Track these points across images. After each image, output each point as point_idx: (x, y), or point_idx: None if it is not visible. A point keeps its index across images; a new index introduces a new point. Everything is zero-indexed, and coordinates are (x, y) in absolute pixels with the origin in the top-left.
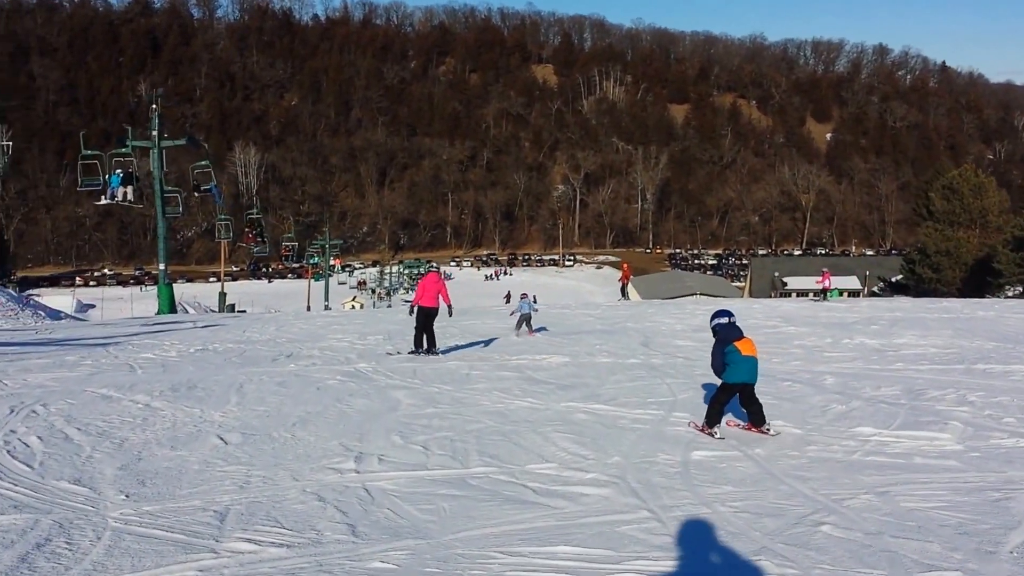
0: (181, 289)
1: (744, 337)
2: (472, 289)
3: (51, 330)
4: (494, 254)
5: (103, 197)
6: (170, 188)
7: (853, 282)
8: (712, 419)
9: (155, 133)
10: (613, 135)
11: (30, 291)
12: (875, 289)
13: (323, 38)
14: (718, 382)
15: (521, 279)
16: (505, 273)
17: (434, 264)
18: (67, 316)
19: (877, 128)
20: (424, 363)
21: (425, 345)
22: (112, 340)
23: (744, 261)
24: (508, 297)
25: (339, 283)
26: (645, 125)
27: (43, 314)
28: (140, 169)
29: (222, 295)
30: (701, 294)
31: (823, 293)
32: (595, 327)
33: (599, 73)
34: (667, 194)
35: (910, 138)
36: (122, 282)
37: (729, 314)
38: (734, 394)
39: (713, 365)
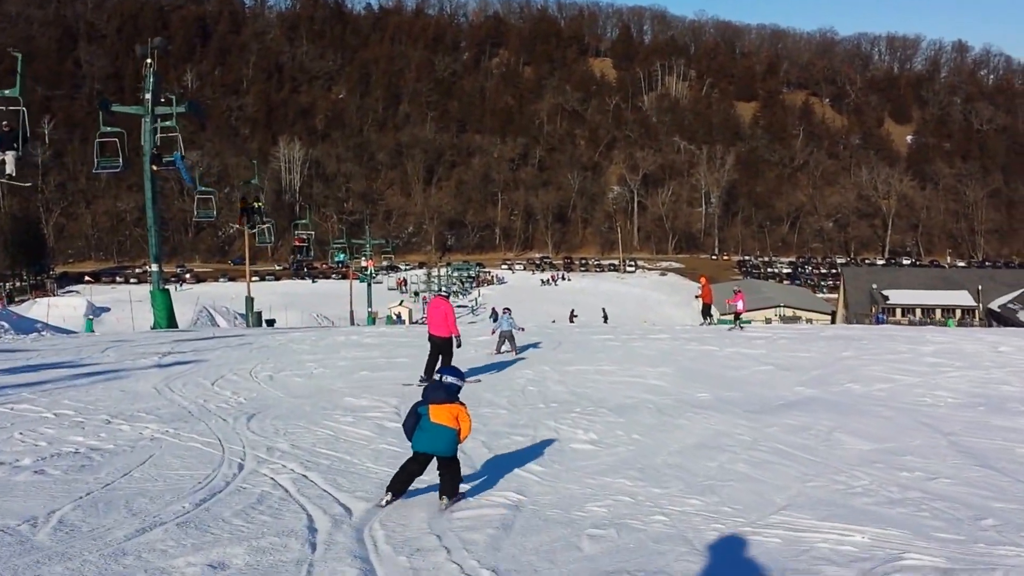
0: (216, 291)
1: (446, 402)
2: (530, 296)
3: None
4: (548, 257)
5: None
6: (205, 188)
7: (964, 297)
8: (393, 483)
9: (148, 96)
10: (675, 134)
11: (69, 287)
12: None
13: (375, 28)
14: None
15: (580, 285)
16: (563, 278)
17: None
18: (46, 328)
19: (962, 131)
20: None
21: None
22: None
23: (822, 270)
24: (573, 315)
25: (388, 289)
26: (710, 123)
27: (6, 326)
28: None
29: (249, 301)
30: (785, 307)
31: (736, 318)
32: (794, 388)
33: (661, 67)
34: (733, 197)
35: (999, 142)
36: (164, 279)
37: (455, 372)
38: (420, 462)
39: (403, 425)
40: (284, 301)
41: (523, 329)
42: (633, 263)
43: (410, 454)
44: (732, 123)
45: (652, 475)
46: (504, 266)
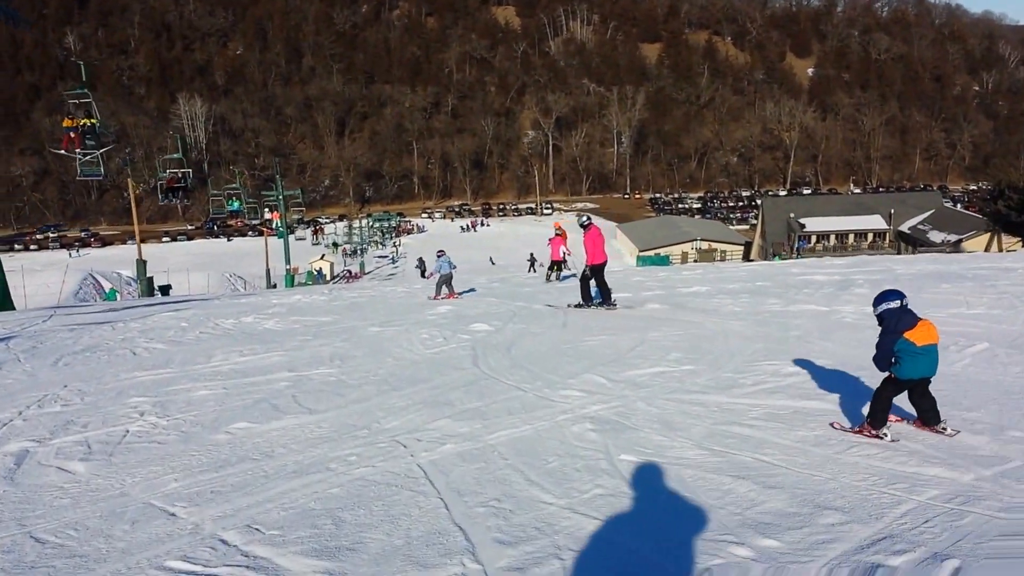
0: (119, 255)
1: (919, 321)
2: (451, 243)
3: None
4: (467, 204)
5: None
6: (104, 150)
7: (877, 222)
8: (879, 419)
9: None
10: (583, 77)
11: None
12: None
13: None
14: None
15: (499, 230)
16: (482, 224)
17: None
18: None
19: (860, 61)
20: None
21: (598, 298)
22: None
23: (730, 203)
24: (532, 261)
25: (312, 244)
26: (616, 66)
27: None
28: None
29: (140, 265)
30: (702, 240)
31: (556, 266)
32: None
33: (564, 13)
34: (643, 136)
35: (895, 71)
36: (66, 245)
37: (900, 295)
38: (904, 390)
39: (875, 359)
40: (197, 262)
41: (456, 267)
42: (549, 205)
43: None
44: (638, 64)
45: None
46: (424, 215)
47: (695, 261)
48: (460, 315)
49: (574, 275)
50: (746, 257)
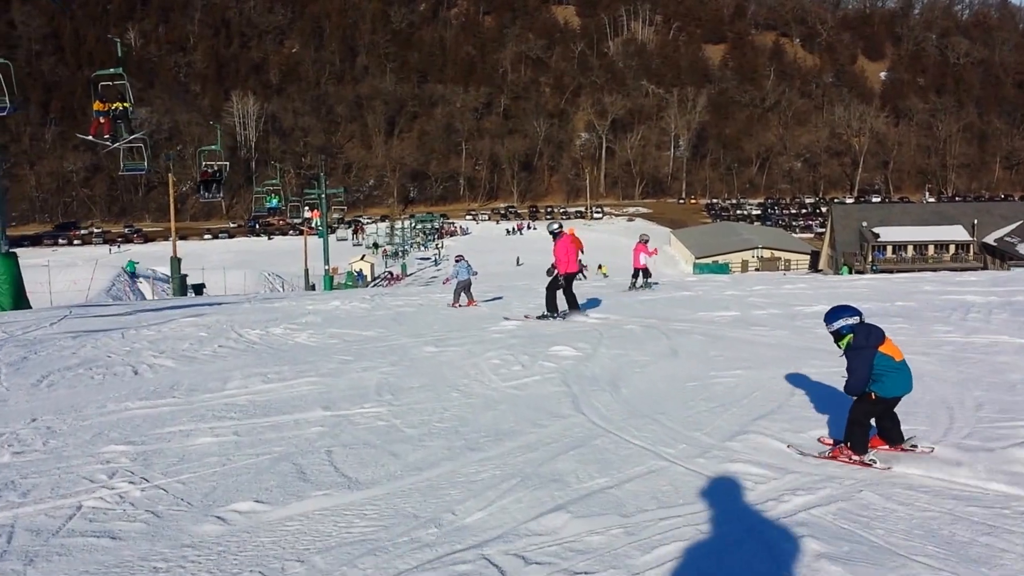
0: (162, 250)
1: (887, 338)
2: (495, 245)
3: None
4: (513, 206)
5: None
6: (134, 137)
7: (959, 232)
8: (861, 443)
9: None
10: (643, 78)
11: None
12: None
13: None
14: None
15: (546, 233)
16: (528, 227)
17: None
18: None
19: (937, 65)
20: None
21: (564, 307)
22: None
23: (792, 210)
24: (581, 267)
25: (354, 245)
26: (678, 67)
27: None
28: None
29: (175, 263)
30: (764, 248)
31: (641, 275)
32: None
33: (626, 13)
34: (703, 140)
35: (974, 75)
36: (109, 241)
37: (858, 311)
38: (884, 408)
39: (854, 381)
40: (236, 260)
41: (476, 273)
42: (600, 209)
43: None
44: (700, 66)
45: None
46: (468, 216)
47: (756, 270)
48: (534, 333)
49: (657, 283)
50: (813, 267)
